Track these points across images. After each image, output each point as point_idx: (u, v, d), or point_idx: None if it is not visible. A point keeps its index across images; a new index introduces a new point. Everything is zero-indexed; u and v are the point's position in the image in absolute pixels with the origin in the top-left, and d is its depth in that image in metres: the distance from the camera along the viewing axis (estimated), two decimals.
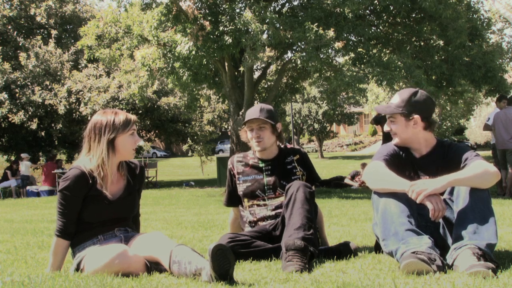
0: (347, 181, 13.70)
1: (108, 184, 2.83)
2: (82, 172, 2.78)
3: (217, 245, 2.31)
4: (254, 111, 3.36)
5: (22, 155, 17.30)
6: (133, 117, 2.89)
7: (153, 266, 2.71)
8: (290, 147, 3.53)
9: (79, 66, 18.86)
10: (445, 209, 2.64)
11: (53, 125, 17.73)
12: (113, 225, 2.86)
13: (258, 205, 3.36)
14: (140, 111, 17.79)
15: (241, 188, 3.43)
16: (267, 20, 9.44)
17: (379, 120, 10.47)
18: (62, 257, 2.82)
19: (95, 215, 2.81)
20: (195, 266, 2.42)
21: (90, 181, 2.78)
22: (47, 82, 17.53)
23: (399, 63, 10.13)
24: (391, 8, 11.08)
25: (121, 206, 2.87)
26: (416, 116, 2.93)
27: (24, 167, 16.73)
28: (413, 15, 11.56)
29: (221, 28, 9.71)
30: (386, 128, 3.06)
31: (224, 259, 2.30)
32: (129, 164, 3.01)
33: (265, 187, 3.37)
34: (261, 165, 3.44)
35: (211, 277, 2.32)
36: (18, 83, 17.47)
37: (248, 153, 3.56)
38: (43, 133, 18.23)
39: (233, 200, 3.52)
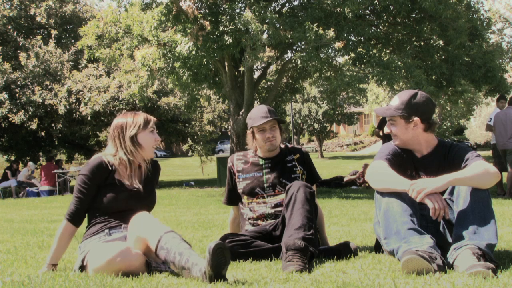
0: (347, 178, 13.65)
1: (127, 176, 2.96)
2: (102, 161, 2.94)
3: (217, 243, 2.36)
4: (262, 113, 3.38)
5: (30, 163, 17.41)
6: (152, 117, 3.13)
7: (153, 265, 2.73)
8: (291, 147, 3.55)
9: (79, 66, 18.83)
10: (446, 207, 2.64)
11: (53, 125, 17.72)
12: (123, 218, 2.90)
13: (257, 203, 3.37)
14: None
15: (240, 186, 3.44)
16: (267, 20, 9.43)
17: (382, 124, 10.43)
18: (66, 243, 2.92)
19: (112, 203, 2.89)
20: (186, 259, 2.47)
21: (110, 169, 2.92)
22: (47, 82, 17.50)
23: (399, 63, 10.12)
24: (391, 8, 11.07)
25: (139, 197, 2.96)
26: (416, 119, 2.94)
27: (22, 172, 16.80)
28: (413, 15, 11.55)
29: (221, 28, 9.69)
30: (387, 130, 3.07)
31: (222, 258, 2.36)
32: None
33: (265, 185, 3.38)
34: (261, 162, 3.45)
35: (205, 274, 2.35)
36: (18, 83, 17.44)
37: (248, 152, 3.58)
38: (43, 133, 18.21)
39: (233, 198, 3.53)
